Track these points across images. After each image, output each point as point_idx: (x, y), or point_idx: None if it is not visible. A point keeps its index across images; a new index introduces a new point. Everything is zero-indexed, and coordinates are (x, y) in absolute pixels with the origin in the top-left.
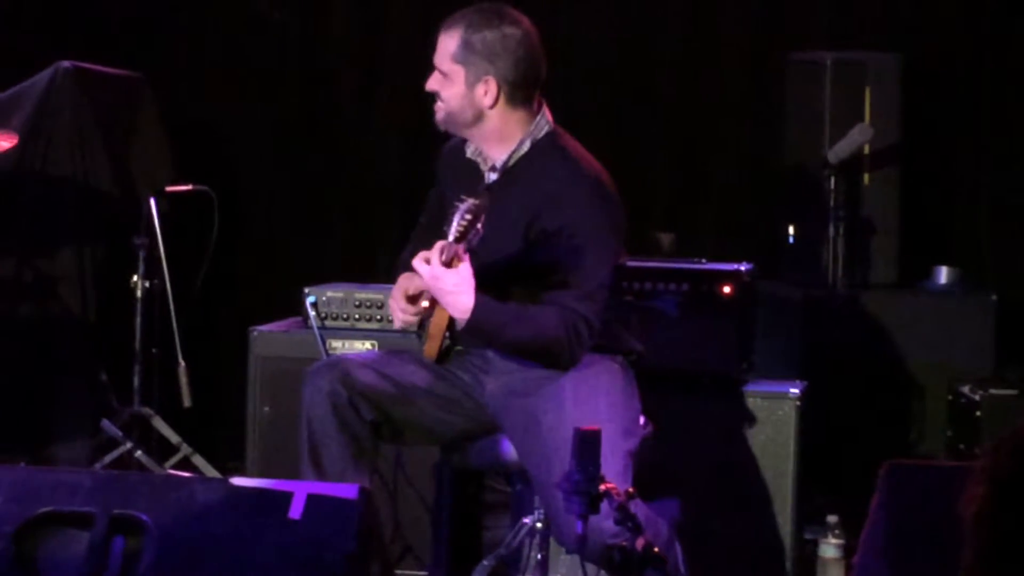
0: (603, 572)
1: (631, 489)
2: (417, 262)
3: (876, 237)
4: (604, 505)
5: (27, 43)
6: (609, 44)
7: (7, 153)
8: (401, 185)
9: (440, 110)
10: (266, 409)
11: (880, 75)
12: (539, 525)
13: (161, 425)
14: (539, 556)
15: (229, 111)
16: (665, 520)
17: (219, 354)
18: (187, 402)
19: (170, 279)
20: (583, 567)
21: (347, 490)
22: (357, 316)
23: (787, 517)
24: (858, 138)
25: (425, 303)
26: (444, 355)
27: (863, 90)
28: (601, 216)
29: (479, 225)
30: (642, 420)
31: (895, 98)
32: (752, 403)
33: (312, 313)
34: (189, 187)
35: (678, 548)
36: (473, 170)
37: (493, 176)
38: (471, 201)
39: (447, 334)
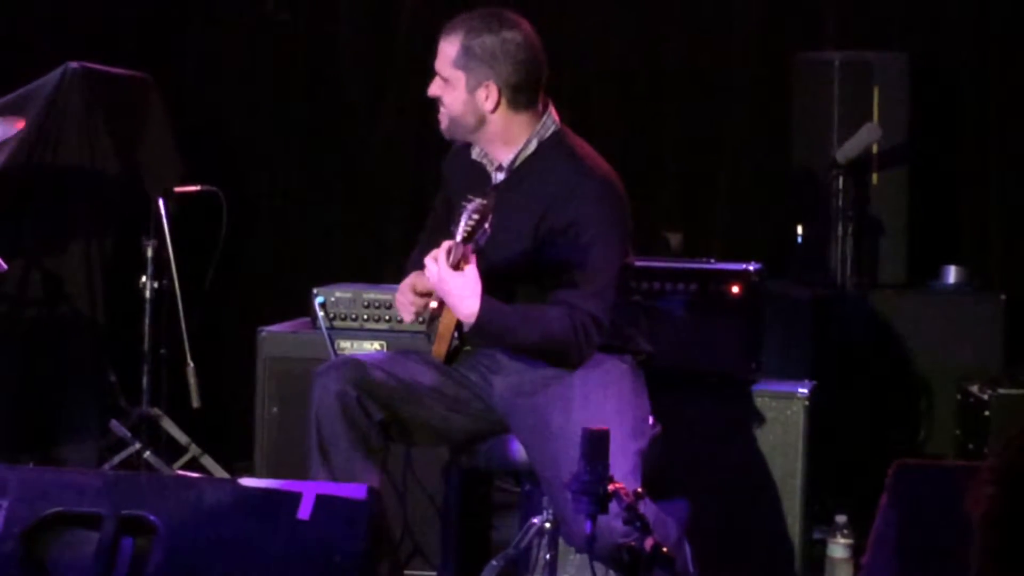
0: (612, 572)
1: (640, 489)
2: (428, 259)
3: (884, 237)
4: (613, 505)
5: (36, 44)
6: (617, 44)
7: (16, 153)
8: (410, 186)
9: (442, 116)
10: (275, 410)
11: (888, 75)
12: (548, 525)
13: (170, 426)
14: (548, 556)
15: (237, 112)
16: (674, 520)
17: (228, 355)
18: (196, 403)
19: (179, 280)
20: (592, 567)
21: (356, 490)
22: (366, 316)
23: (796, 517)
24: (866, 138)
25: (434, 303)
26: (452, 356)
27: (871, 90)
28: (608, 215)
29: (486, 225)
30: (651, 420)
31: (903, 98)
32: (761, 403)
33: (321, 314)
34: (197, 188)
35: (687, 548)
36: (479, 171)
37: (500, 176)
38: (478, 201)
39: (455, 335)
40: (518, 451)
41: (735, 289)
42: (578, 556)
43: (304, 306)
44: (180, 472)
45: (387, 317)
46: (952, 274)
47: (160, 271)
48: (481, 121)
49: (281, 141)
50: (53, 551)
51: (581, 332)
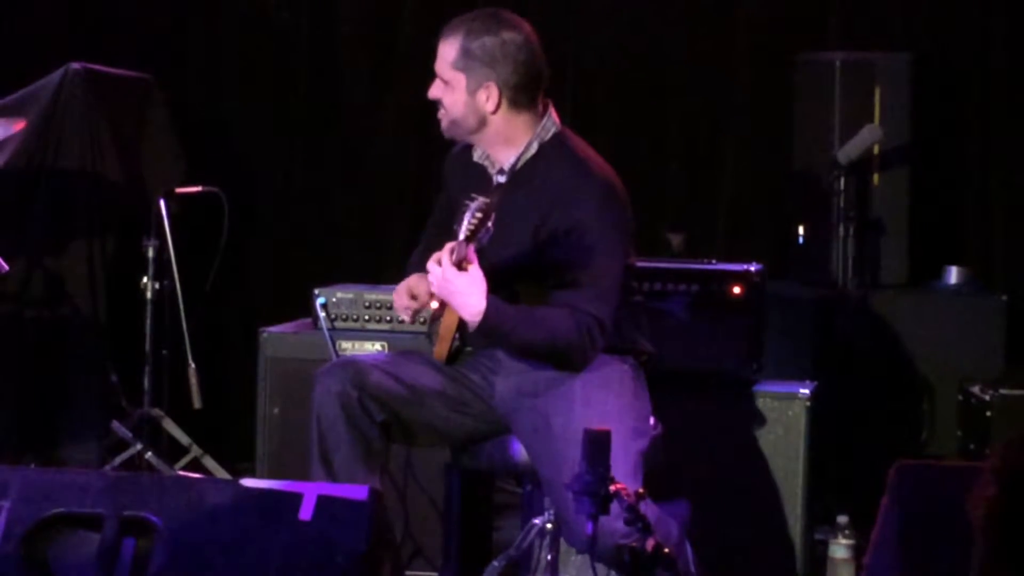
0: (613, 573)
1: (641, 490)
2: (430, 263)
3: (886, 237)
4: (614, 506)
5: (37, 44)
6: (618, 45)
7: (18, 155)
8: (411, 186)
9: (443, 118)
10: (276, 410)
11: (890, 75)
12: (549, 526)
13: (171, 426)
14: (549, 557)
15: (239, 112)
16: (675, 521)
17: (229, 355)
18: (197, 403)
19: (180, 280)
20: (593, 568)
21: (357, 491)
22: (367, 317)
23: (797, 517)
24: (868, 138)
25: (435, 304)
26: (454, 356)
27: (873, 90)
28: (611, 216)
29: (489, 223)
30: (652, 420)
31: (905, 98)
32: (762, 403)
33: (322, 314)
34: (199, 188)
35: (688, 548)
36: (481, 173)
37: (501, 179)
38: (481, 200)
39: (457, 335)
40: (519, 452)
41: (736, 290)
42: (579, 557)
43: (305, 307)
44: (182, 473)
45: (388, 318)
46: (954, 275)
47: (162, 272)
48: (482, 122)
49: (283, 141)
50: (55, 552)
51: (585, 334)
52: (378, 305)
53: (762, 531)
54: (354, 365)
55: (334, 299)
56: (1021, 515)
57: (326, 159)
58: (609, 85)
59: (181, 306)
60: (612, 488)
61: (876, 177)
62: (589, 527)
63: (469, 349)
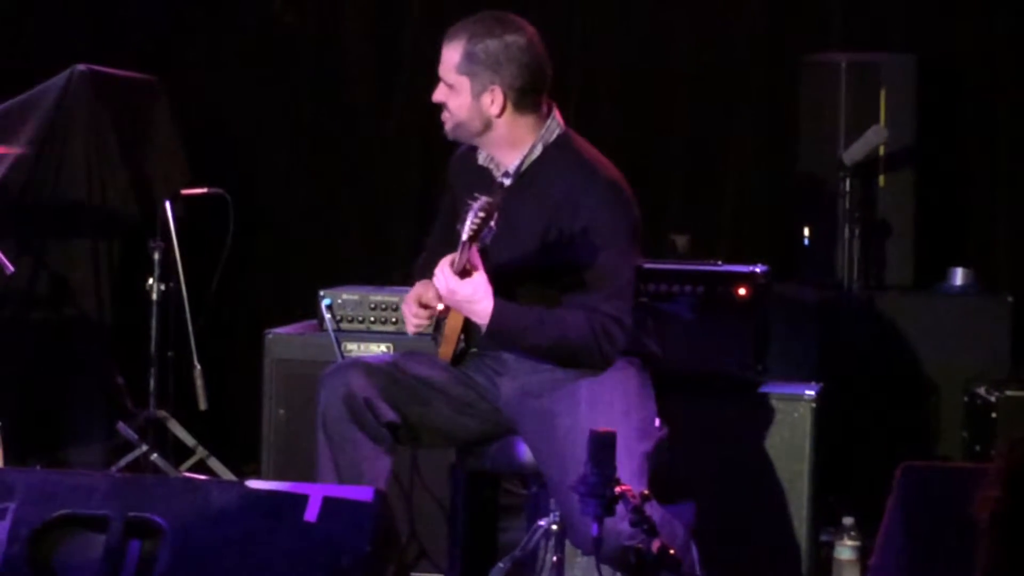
0: (619, 574)
1: (646, 491)
2: (436, 272)
3: (891, 239)
4: (619, 507)
5: (42, 47)
6: (623, 46)
7: (23, 157)
8: (416, 188)
9: (448, 121)
10: (281, 412)
11: (895, 76)
12: (554, 527)
13: (177, 428)
14: (555, 558)
15: (244, 114)
16: (681, 522)
17: (234, 357)
18: (203, 405)
19: (185, 282)
20: (599, 569)
21: (363, 492)
22: (372, 319)
23: (803, 519)
24: (873, 139)
25: (440, 305)
26: (459, 358)
27: (878, 92)
28: (619, 217)
29: (492, 223)
30: (657, 422)
31: (910, 99)
32: (767, 405)
33: (327, 316)
34: (204, 190)
35: (694, 550)
36: (485, 176)
37: (507, 182)
38: (484, 199)
39: (462, 336)
40: (525, 453)
41: (742, 291)
42: (585, 558)
43: (311, 308)
44: (187, 474)
45: (394, 319)
46: (959, 276)
47: (167, 273)
48: (487, 125)
49: (288, 143)
50: (60, 553)
51: (601, 334)
52: (383, 307)
53: (767, 532)
54: (360, 366)
55: (340, 301)
56: None
57: (331, 160)
58: (613, 87)
59: (187, 308)
60: (617, 489)
61: (881, 178)
62: (595, 528)
63: (474, 350)
